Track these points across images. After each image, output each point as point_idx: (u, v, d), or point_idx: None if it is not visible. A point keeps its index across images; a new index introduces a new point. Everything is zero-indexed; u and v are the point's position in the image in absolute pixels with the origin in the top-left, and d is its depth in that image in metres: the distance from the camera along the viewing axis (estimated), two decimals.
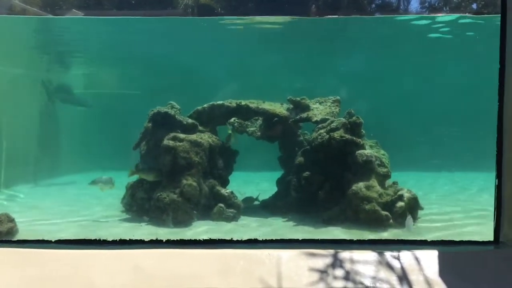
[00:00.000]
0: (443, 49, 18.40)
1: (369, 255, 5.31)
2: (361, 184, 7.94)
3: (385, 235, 7.41)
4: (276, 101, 10.07)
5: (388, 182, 8.39)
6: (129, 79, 18.91)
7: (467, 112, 17.60)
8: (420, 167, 15.00)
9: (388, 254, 5.32)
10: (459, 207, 9.86)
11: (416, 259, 5.30)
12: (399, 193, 7.93)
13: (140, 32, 16.76)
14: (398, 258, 5.29)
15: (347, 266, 5.19)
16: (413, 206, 7.91)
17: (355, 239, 5.97)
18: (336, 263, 5.22)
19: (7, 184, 12.10)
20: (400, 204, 7.83)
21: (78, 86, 18.92)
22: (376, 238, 7.18)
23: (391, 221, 7.72)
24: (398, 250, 5.40)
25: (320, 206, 8.41)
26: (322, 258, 5.29)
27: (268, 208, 9.32)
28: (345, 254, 5.30)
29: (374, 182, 8.05)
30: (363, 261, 5.24)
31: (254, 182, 14.23)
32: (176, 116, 9.15)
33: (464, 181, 14.31)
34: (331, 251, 5.35)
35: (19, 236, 7.09)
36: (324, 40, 17.68)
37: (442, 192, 12.54)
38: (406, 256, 5.31)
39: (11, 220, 7.07)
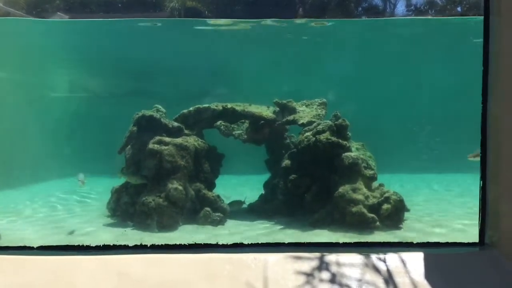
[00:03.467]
0: (429, 51, 18.55)
1: (355, 258, 5.29)
2: (347, 187, 7.94)
3: (372, 237, 7.42)
4: (262, 104, 10.04)
5: (375, 184, 8.39)
6: (112, 82, 18.72)
7: (453, 114, 17.73)
8: (406, 169, 15.07)
9: (374, 257, 5.30)
10: (445, 209, 9.92)
11: (402, 261, 5.29)
12: (386, 195, 7.94)
13: (125, 35, 16.64)
14: (384, 261, 5.27)
15: (333, 269, 5.16)
16: (399, 208, 7.92)
17: (341, 242, 5.94)
18: (322, 266, 5.19)
19: None
20: (387, 206, 7.84)
21: (61, 90, 18.75)
22: (362, 240, 7.20)
23: (377, 223, 7.72)
24: (384, 252, 5.38)
25: (307, 209, 8.40)
26: (308, 262, 5.25)
27: (254, 211, 9.28)
28: (331, 257, 5.28)
29: (360, 184, 8.05)
30: (349, 264, 5.22)
31: (240, 186, 14.18)
32: (162, 120, 9.08)
33: (450, 183, 14.42)
34: (317, 254, 5.33)
35: (1, 242, 6.95)
36: (310, 43, 17.72)
37: (428, 194, 12.63)
38: (392, 259, 5.29)
39: None
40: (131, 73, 17.70)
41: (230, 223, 8.65)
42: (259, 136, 9.65)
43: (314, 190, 8.37)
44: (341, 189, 7.92)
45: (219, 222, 8.48)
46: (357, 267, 5.15)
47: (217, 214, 8.55)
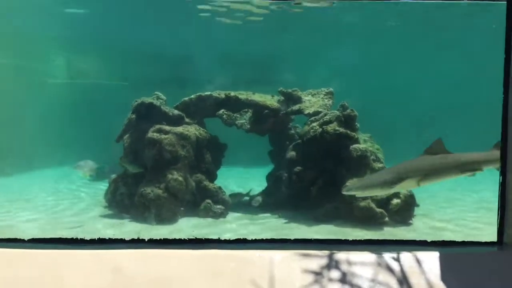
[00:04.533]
0: (437, 39, 18.10)
1: (367, 257, 4.94)
2: (355, 180, 7.57)
3: (380, 233, 7.10)
4: (265, 93, 9.65)
5: None
6: (111, 68, 18.32)
7: (463, 104, 17.44)
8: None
9: (387, 256, 4.96)
10: (455, 203, 9.58)
11: (417, 261, 4.94)
12: None
13: (124, 19, 16.20)
14: (397, 260, 4.93)
15: (344, 268, 4.82)
16: (410, 203, 7.59)
17: (351, 239, 5.59)
18: (332, 264, 4.85)
19: None
20: (396, 201, 7.52)
21: (59, 76, 18.33)
22: (371, 236, 6.87)
23: (386, 218, 7.40)
24: (397, 251, 5.04)
25: (312, 202, 8.05)
26: (316, 259, 4.91)
27: (256, 203, 8.93)
28: (341, 255, 4.93)
29: None
30: (360, 263, 4.88)
31: (242, 177, 13.87)
32: (162, 107, 8.69)
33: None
34: (326, 252, 4.98)
35: None
36: (314, 31, 17.25)
37: (436, 187, 12.23)
38: (406, 258, 4.95)
39: None
40: (129, 59, 17.32)
41: (231, 216, 8.33)
42: (263, 126, 9.28)
43: (320, 183, 8.02)
44: (348, 183, 7.56)
45: (220, 215, 8.16)
46: (369, 267, 4.81)
47: (218, 206, 8.22)
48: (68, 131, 16.24)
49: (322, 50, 18.36)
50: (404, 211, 7.57)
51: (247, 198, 9.34)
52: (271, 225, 7.71)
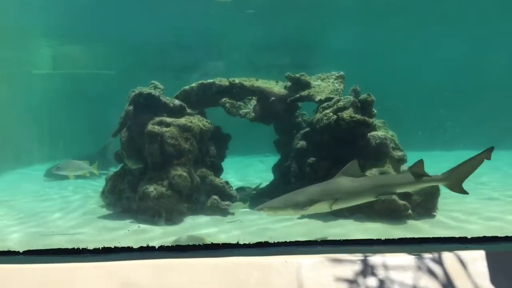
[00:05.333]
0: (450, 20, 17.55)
1: (405, 259, 4.45)
2: (375, 171, 7.08)
3: (404, 227, 6.61)
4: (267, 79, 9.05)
5: (404, 167, 7.52)
6: (103, 57, 17.56)
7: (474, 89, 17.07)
8: (423, 145, 14.18)
9: (427, 257, 4.48)
10: (476, 191, 9.07)
11: (460, 261, 4.46)
12: None
13: (114, 5, 15.40)
14: (439, 262, 4.45)
15: (380, 273, 4.31)
16: (434, 194, 7.07)
17: (383, 238, 5.07)
18: (367, 270, 4.34)
19: None
20: None
21: (46, 66, 17.50)
22: (395, 230, 6.38)
23: (409, 211, 6.89)
24: (437, 251, 4.54)
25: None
26: (349, 265, 4.39)
27: (266, 198, 8.35)
28: (376, 259, 4.42)
29: (389, 167, 7.21)
30: (399, 267, 4.38)
31: (243, 168, 13.34)
32: (161, 98, 8.02)
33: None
34: (359, 256, 4.46)
35: None
36: (318, 13, 16.58)
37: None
38: (448, 258, 4.48)
39: None
40: (121, 47, 16.58)
41: (240, 212, 7.76)
42: (269, 114, 8.69)
43: (335, 174, 7.44)
44: (367, 173, 7.04)
45: (229, 212, 7.58)
46: (409, 271, 4.32)
47: (226, 202, 7.67)
48: (56, 124, 15.57)
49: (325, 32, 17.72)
50: (427, 202, 7.06)
51: (254, 192, 8.78)
52: (283, 220, 7.16)
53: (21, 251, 4.75)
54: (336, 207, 5.62)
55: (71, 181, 10.61)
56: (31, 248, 4.81)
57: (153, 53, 17.18)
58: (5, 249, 4.88)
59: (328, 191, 5.58)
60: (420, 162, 5.58)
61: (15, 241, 6.33)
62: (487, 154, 5.43)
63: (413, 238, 5.17)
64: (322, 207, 5.57)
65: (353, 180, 5.61)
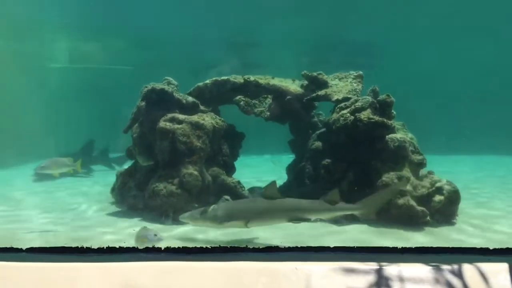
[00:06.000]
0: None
1: (422, 270, 4.21)
2: (392, 174, 6.79)
3: (422, 234, 6.32)
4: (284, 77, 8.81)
5: (423, 171, 7.23)
6: (118, 52, 17.50)
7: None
8: (444, 150, 13.82)
9: (446, 269, 4.22)
10: (499, 197, 8.74)
11: (482, 274, 4.19)
12: (437, 185, 6.79)
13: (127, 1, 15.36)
14: (458, 274, 4.19)
15: (396, 285, 4.07)
16: (454, 200, 6.77)
17: (399, 246, 4.81)
18: (382, 281, 4.10)
19: None
20: (439, 198, 6.71)
21: (61, 60, 17.52)
22: (412, 238, 6.10)
23: (428, 218, 6.59)
24: (457, 262, 4.28)
25: (342, 199, 7.25)
26: (363, 275, 4.16)
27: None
28: (391, 269, 4.18)
29: (407, 171, 6.91)
30: (416, 279, 4.14)
31: (255, 168, 13.13)
32: (174, 94, 7.84)
33: (492, 165, 13.22)
34: (374, 266, 4.23)
35: None
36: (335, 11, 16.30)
37: (472, 179, 11.44)
38: (468, 271, 4.23)
39: None
40: (137, 42, 16.48)
41: None
42: (284, 113, 8.46)
43: (351, 177, 7.21)
44: (385, 177, 6.77)
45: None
46: (426, 283, 4.06)
47: None
48: (71, 117, 15.58)
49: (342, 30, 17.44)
50: (447, 209, 6.76)
51: None
52: (295, 224, 6.92)
53: (24, 248, 4.64)
54: (251, 225, 5.81)
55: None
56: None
57: (174, 48, 17.03)
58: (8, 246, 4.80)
59: (245, 210, 5.82)
60: (335, 191, 5.86)
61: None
62: (400, 185, 5.99)
63: (431, 247, 4.91)
64: (238, 224, 5.77)
65: (269, 202, 5.80)
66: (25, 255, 4.58)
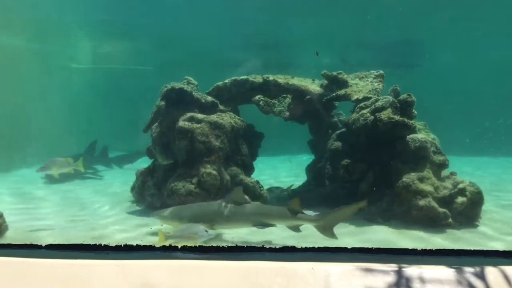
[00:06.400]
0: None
1: (444, 272, 4.10)
2: (413, 175, 6.67)
3: (444, 236, 6.19)
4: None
5: (445, 172, 7.08)
6: (139, 53, 17.65)
7: None
8: (468, 151, 13.54)
9: (468, 271, 4.10)
10: None
11: (505, 277, 4.07)
12: (459, 186, 6.64)
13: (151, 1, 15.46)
14: (481, 276, 4.07)
15: (416, 286, 3.97)
16: (476, 202, 6.61)
17: (419, 248, 4.70)
18: (401, 282, 4.01)
19: None
20: (461, 199, 6.56)
21: (85, 61, 17.77)
22: (434, 240, 5.98)
23: (449, 220, 6.45)
24: (480, 265, 4.16)
25: (361, 199, 7.15)
26: (382, 276, 4.07)
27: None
28: (411, 271, 4.09)
29: (429, 172, 6.79)
30: (437, 280, 4.03)
31: (273, 168, 13.07)
32: (193, 93, 7.86)
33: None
34: (393, 267, 4.14)
35: (9, 234, 5.99)
36: (355, 10, 16.13)
37: (497, 181, 11.16)
38: (491, 273, 4.11)
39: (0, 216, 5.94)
40: (157, 43, 16.59)
41: None
42: (303, 113, 8.40)
43: (371, 177, 7.11)
44: (405, 178, 6.66)
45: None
46: (447, 285, 3.95)
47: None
48: (93, 117, 15.76)
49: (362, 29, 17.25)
50: (469, 211, 6.60)
51: (286, 193, 8.50)
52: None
53: (43, 245, 4.70)
54: (217, 227, 6.05)
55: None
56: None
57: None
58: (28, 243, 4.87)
59: (210, 213, 6.06)
60: (297, 200, 5.93)
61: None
62: (361, 205, 5.90)
63: (452, 249, 4.80)
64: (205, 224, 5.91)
65: (235, 206, 6.02)
66: (44, 252, 4.61)
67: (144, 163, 9.31)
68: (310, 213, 6.14)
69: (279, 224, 6.00)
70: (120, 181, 11.05)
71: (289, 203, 6.01)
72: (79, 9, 15.43)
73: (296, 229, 5.95)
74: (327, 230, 5.68)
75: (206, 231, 5.29)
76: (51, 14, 14.38)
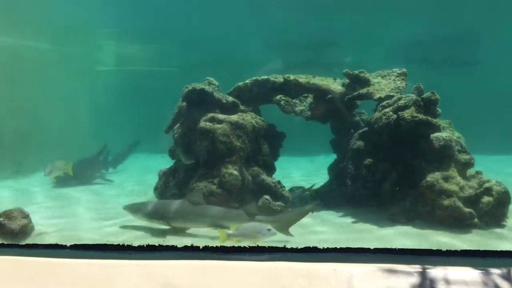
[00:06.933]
0: None
1: (470, 274, 4.03)
2: (437, 175, 6.55)
3: (469, 237, 6.06)
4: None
5: (470, 171, 6.94)
6: (162, 54, 17.79)
7: None
8: (495, 150, 13.20)
9: (495, 273, 4.03)
10: None
11: None
12: (486, 185, 6.48)
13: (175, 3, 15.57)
14: (508, 278, 3.98)
15: None
16: (503, 202, 6.44)
17: (444, 249, 4.62)
18: (426, 284, 3.95)
19: (21, 171, 11.12)
20: (487, 199, 6.40)
21: (110, 63, 18.02)
22: (459, 241, 5.86)
23: (475, 220, 6.32)
24: (507, 266, 4.08)
25: (384, 199, 7.09)
26: (405, 277, 4.03)
27: (317, 199, 8.05)
28: (436, 272, 4.03)
29: (453, 172, 6.65)
30: (462, 282, 3.95)
31: (293, 168, 13.00)
32: (214, 94, 7.90)
33: None
34: (417, 268, 4.09)
35: (35, 235, 6.11)
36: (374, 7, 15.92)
37: None
38: None
39: (26, 216, 6.05)
40: (180, 44, 16.70)
41: None
42: (325, 112, 8.34)
43: (394, 177, 7.02)
44: (429, 177, 6.54)
45: (280, 212, 7.32)
46: (473, 287, 3.87)
47: (278, 203, 7.41)
48: (118, 119, 15.95)
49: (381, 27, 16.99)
50: (496, 211, 6.45)
51: (308, 193, 8.46)
52: (336, 224, 6.83)
53: (68, 245, 4.79)
54: (175, 225, 6.40)
55: None
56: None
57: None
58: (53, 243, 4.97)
59: (170, 211, 6.39)
60: (252, 205, 6.41)
61: None
62: (310, 208, 6.39)
63: (479, 250, 4.69)
64: (161, 223, 6.44)
65: (194, 207, 6.39)
66: (69, 252, 4.70)
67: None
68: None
69: (231, 225, 6.17)
70: (134, 181, 11.29)
71: (246, 207, 6.33)
72: (105, 12, 15.65)
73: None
74: (282, 230, 5.90)
75: (269, 229, 5.40)
76: (76, 18, 14.62)
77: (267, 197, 7.41)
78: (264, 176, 7.65)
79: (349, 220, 7.08)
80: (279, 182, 7.74)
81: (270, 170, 8.00)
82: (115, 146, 13.35)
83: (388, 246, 4.84)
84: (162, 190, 8.17)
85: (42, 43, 12.76)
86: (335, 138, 8.92)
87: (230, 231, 5.58)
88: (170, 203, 6.60)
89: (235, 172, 7.16)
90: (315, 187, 8.64)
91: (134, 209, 6.74)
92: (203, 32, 17.36)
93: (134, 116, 16.66)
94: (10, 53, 11.39)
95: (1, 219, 5.87)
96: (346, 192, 7.84)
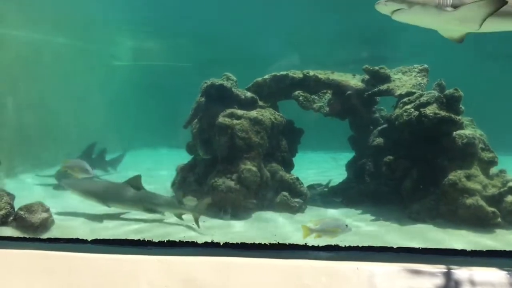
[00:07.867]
0: None
1: (496, 275, 3.93)
2: (460, 173, 6.44)
3: (493, 237, 5.96)
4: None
5: (494, 170, 6.81)
6: (178, 49, 17.80)
7: None
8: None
9: None
10: None
11: None
12: (509, 184, 6.37)
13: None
14: None
15: None
16: None
17: (468, 249, 4.53)
18: (450, 285, 3.86)
19: (39, 166, 11.17)
20: (511, 198, 6.27)
21: (126, 58, 18.08)
22: (482, 241, 5.76)
23: (499, 219, 6.20)
24: None
25: (405, 197, 7.00)
26: (429, 278, 3.95)
27: (337, 196, 7.98)
28: (461, 273, 3.93)
29: (476, 170, 6.53)
30: (488, 284, 3.86)
31: (309, 164, 12.89)
32: (233, 89, 7.85)
33: None
34: (442, 268, 4.00)
35: (54, 229, 6.11)
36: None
37: None
38: None
39: (46, 210, 6.07)
40: (197, 40, 16.68)
41: (310, 210, 7.47)
42: (344, 109, 8.25)
43: (415, 175, 6.91)
44: (452, 176, 6.44)
45: (298, 209, 7.31)
46: None
47: (296, 199, 7.36)
48: (134, 114, 16.00)
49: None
50: None
51: (326, 190, 8.40)
52: (355, 221, 6.74)
53: (89, 239, 4.79)
54: (112, 206, 6.82)
55: None
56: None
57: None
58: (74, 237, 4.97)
59: (110, 193, 6.89)
60: (180, 193, 7.24)
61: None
62: (207, 201, 6.64)
63: (504, 251, 4.60)
64: (98, 202, 6.84)
65: (131, 191, 6.80)
66: (90, 246, 4.71)
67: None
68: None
69: (165, 211, 6.78)
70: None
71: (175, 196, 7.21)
72: (122, 7, 15.69)
73: (180, 217, 6.68)
74: (196, 220, 6.38)
75: (346, 225, 5.28)
76: (93, 13, 14.67)
77: (285, 193, 7.37)
78: (282, 172, 7.60)
79: (368, 217, 7.01)
80: (297, 178, 7.68)
81: (289, 166, 7.95)
82: (118, 145, 13.27)
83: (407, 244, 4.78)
84: (179, 186, 8.16)
85: (60, 37, 12.80)
86: (353, 134, 8.83)
87: (312, 226, 5.34)
88: (110, 185, 7.20)
89: (254, 168, 7.11)
90: (331, 184, 8.57)
91: (73, 185, 7.12)
92: (220, 27, 17.32)
93: (150, 111, 16.68)
94: (30, 48, 11.43)
95: (22, 212, 5.89)
96: (364, 189, 7.75)
